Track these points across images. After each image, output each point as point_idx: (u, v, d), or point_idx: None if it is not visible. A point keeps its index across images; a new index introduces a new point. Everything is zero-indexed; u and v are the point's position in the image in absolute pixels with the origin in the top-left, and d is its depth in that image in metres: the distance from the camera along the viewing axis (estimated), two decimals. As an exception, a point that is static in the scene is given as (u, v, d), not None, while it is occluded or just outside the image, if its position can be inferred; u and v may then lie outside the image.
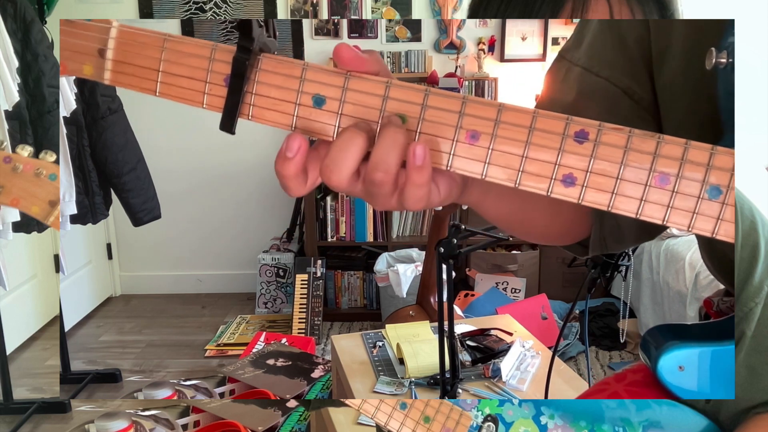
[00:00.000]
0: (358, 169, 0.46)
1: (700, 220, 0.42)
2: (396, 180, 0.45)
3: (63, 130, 2.43)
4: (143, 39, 0.48)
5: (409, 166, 0.44)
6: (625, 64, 0.67)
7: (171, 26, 3.60)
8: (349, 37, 3.63)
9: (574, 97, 0.68)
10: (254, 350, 2.85)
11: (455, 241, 1.62)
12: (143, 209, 2.86)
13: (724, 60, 0.50)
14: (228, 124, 0.47)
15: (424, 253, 2.99)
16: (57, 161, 0.85)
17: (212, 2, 3.56)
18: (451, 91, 0.45)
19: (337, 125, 0.46)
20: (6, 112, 2.22)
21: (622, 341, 2.82)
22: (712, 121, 0.55)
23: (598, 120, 0.43)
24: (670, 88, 0.65)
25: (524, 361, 1.98)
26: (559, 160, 0.43)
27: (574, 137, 0.43)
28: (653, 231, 0.73)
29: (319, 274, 3.40)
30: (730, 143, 0.50)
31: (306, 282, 3.39)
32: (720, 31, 0.53)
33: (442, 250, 1.63)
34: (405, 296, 3.10)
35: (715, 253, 0.69)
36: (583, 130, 0.43)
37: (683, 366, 0.62)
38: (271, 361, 2.57)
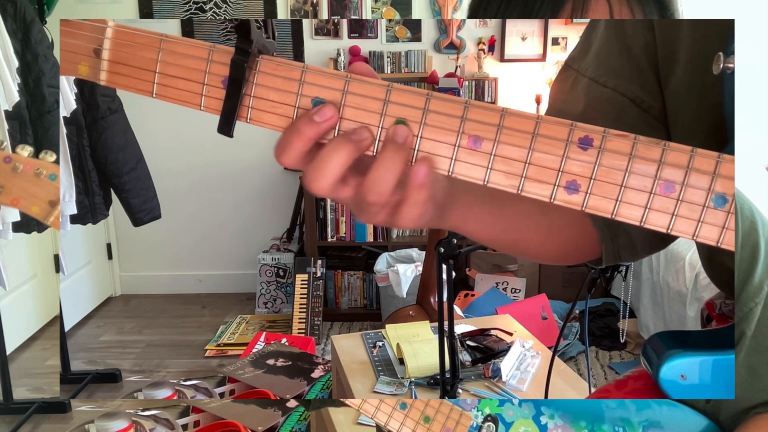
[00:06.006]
0: (345, 176, 0.45)
1: (705, 229, 0.42)
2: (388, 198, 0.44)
3: (63, 130, 2.43)
4: (140, 39, 0.47)
5: (410, 183, 0.44)
6: (633, 73, 0.67)
7: (171, 26, 3.60)
8: (349, 37, 3.63)
9: (582, 108, 0.68)
10: (254, 350, 2.85)
11: (455, 241, 1.62)
12: (143, 209, 2.86)
13: (731, 65, 0.50)
14: (226, 128, 0.46)
15: (424, 253, 2.99)
16: (57, 161, 0.85)
17: (212, 2, 3.56)
18: (453, 95, 0.45)
19: (337, 129, 0.46)
20: (6, 112, 2.22)
21: (622, 341, 2.82)
22: (717, 128, 0.55)
23: None
24: (677, 94, 0.64)
25: (524, 361, 1.98)
26: (563, 167, 0.43)
27: (578, 144, 0.43)
28: (666, 240, 0.73)
29: (319, 274, 3.40)
30: (733, 150, 0.49)
31: (306, 282, 3.39)
32: (726, 36, 0.52)
33: (442, 250, 1.62)
34: (405, 296, 3.10)
35: (712, 260, 0.69)
36: (587, 137, 0.42)
37: (685, 375, 0.61)
38: (271, 361, 2.57)
